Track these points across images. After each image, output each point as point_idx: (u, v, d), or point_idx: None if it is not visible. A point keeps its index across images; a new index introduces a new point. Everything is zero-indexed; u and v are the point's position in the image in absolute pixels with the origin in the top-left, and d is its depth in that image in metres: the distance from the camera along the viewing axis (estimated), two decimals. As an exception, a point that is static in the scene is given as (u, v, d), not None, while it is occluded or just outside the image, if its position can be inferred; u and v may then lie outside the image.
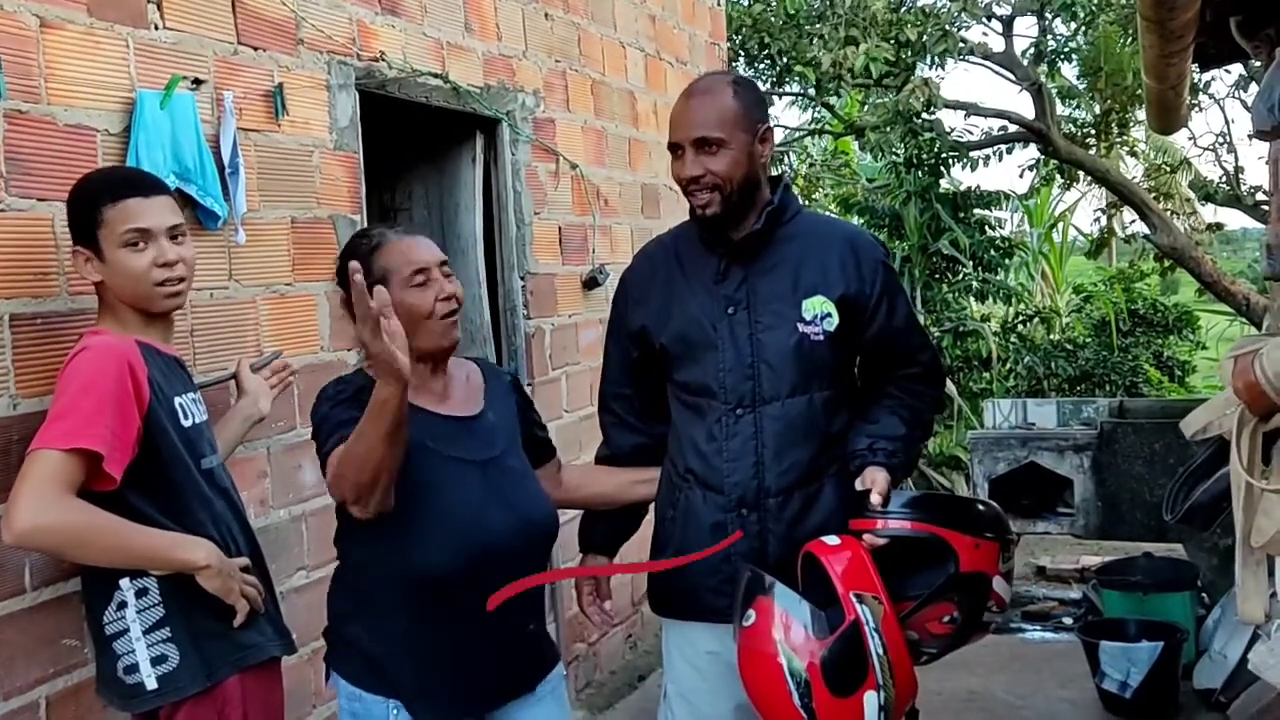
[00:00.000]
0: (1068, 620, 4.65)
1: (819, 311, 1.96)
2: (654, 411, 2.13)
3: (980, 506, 1.99)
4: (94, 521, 1.74)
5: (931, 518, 1.86)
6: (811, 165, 11.02)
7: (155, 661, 1.82)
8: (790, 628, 1.75)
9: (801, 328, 1.96)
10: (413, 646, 1.81)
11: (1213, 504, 1.99)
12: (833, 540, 1.85)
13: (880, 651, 1.73)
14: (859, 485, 1.91)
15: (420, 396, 1.82)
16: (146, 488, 1.82)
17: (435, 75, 3.19)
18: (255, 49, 2.55)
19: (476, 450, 1.86)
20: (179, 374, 1.99)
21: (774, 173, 2.10)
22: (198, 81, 2.35)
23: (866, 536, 1.85)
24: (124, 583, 1.83)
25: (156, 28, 2.29)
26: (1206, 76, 8.57)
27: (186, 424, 1.91)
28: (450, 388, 1.90)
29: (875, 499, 1.86)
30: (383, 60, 2.98)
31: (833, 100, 8.83)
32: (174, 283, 1.89)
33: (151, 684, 1.82)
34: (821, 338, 1.96)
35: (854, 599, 1.74)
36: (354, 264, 1.61)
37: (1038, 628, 4.64)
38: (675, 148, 1.99)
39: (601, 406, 2.23)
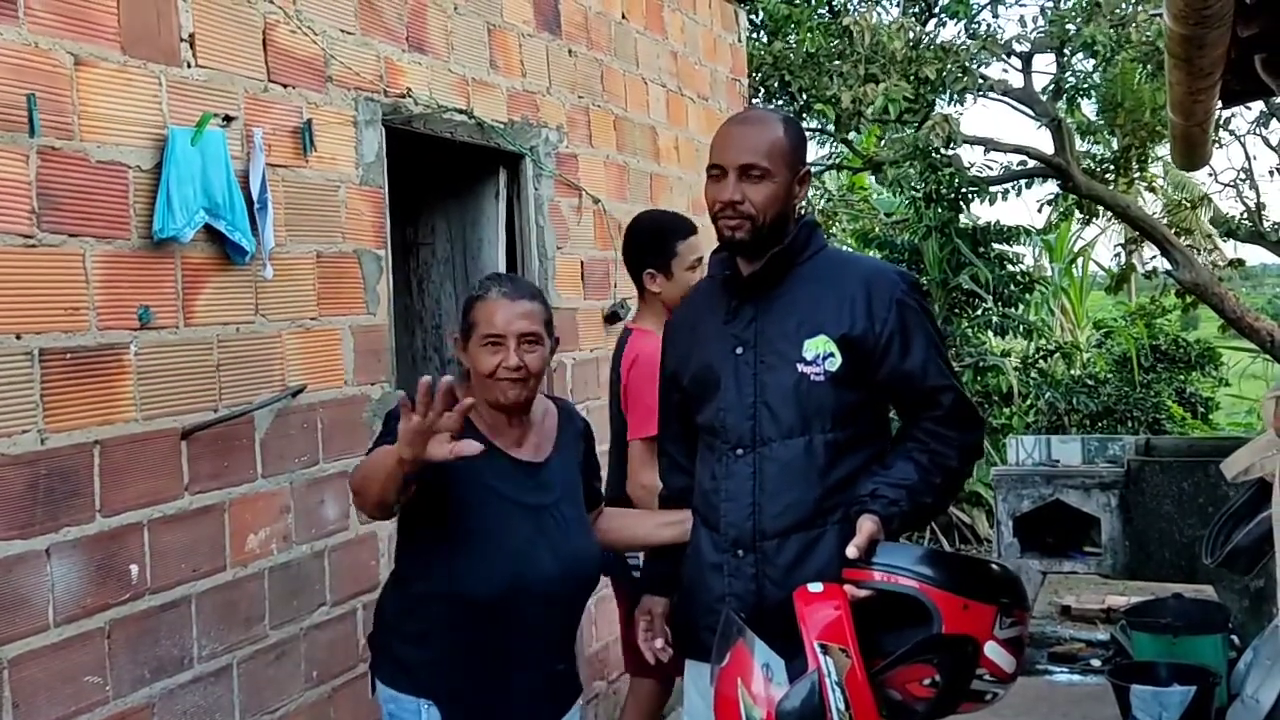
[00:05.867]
0: (1095, 662, 4.57)
1: (820, 351, 1.92)
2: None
3: (994, 569, 1.90)
4: None
5: (920, 574, 1.76)
6: (829, 200, 11.04)
7: None
8: (754, 675, 1.72)
9: (801, 368, 1.92)
10: (449, 661, 1.92)
11: (1254, 547, 1.94)
12: (816, 588, 1.80)
13: (840, 706, 1.66)
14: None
15: (496, 433, 1.97)
16: None
17: (460, 111, 3.21)
18: (285, 86, 2.57)
19: (533, 495, 1.97)
20: None
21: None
22: (228, 118, 2.37)
23: (847, 587, 1.79)
24: None
25: (189, 65, 2.31)
26: (1227, 113, 8.55)
27: None
28: (526, 433, 2.01)
29: (850, 550, 1.79)
30: (409, 96, 3.00)
31: (851, 136, 8.86)
32: None
33: None
34: (823, 378, 1.92)
35: (818, 649, 1.69)
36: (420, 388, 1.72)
37: (1064, 670, 4.56)
38: (717, 170, 1.95)
39: (659, 450, 2.26)
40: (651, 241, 2.86)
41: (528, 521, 1.94)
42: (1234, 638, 4.13)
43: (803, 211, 2.09)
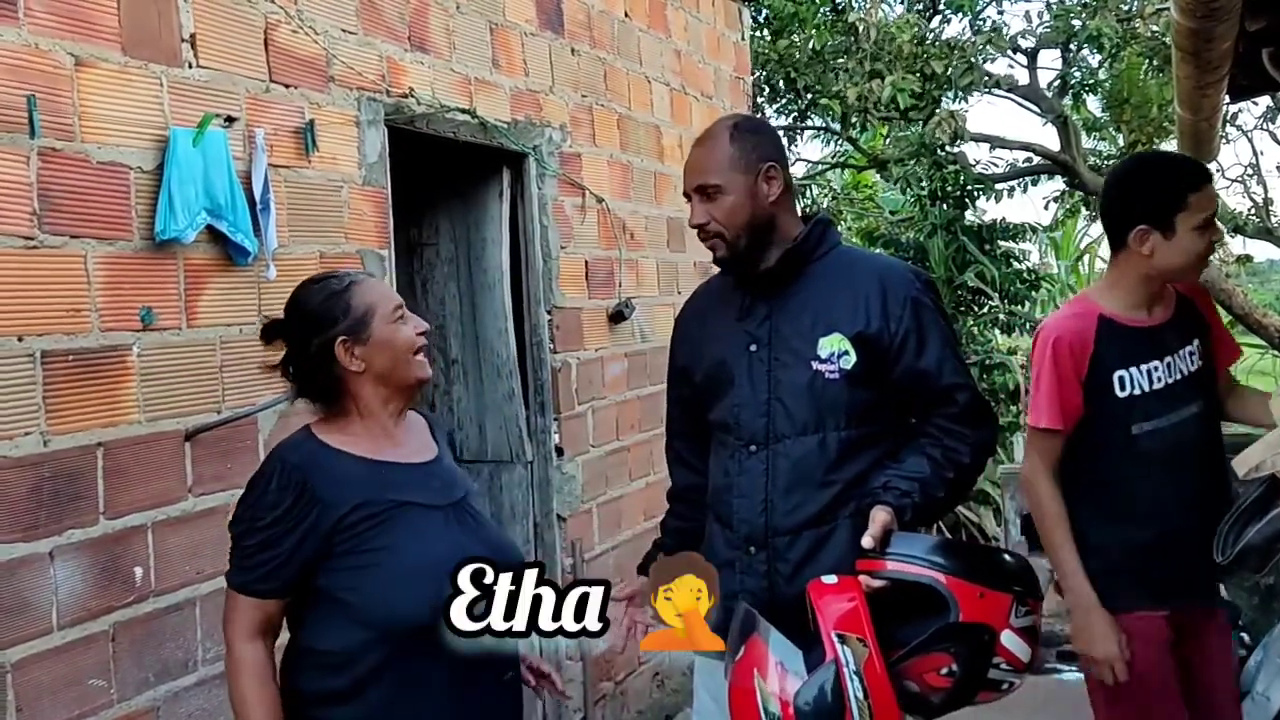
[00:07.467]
0: (1104, 660, 4.54)
1: (835, 349, 1.93)
2: (708, 451, 2.11)
3: (1007, 558, 1.90)
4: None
5: (934, 563, 1.76)
6: (834, 199, 11.02)
7: None
8: (770, 667, 1.71)
9: (816, 365, 1.93)
10: (387, 706, 1.69)
11: (1266, 546, 1.92)
12: (830, 580, 1.80)
13: (859, 695, 1.65)
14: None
15: (380, 446, 1.77)
16: (1073, 452, 2.17)
17: (463, 111, 3.20)
18: (287, 86, 2.57)
19: (442, 494, 1.79)
20: (1144, 344, 2.17)
21: (805, 210, 2.08)
22: (230, 119, 2.37)
23: (862, 578, 1.78)
24: None
25: (190, 66, 2.31)
26: (1234, 108, 8.52)
27: (1122, 395, 2.13)
28: (407, 434, 1.84)
29: (865, 540, 1.79)
30: (411, 96, 2.99)
31: (856, 134, 8.85)
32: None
33: None
34: (837, 376, 1.92)
35: (835, 639, 1.68)
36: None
37: (1074, 668, 4.53)
38: (687, 197, 2.02)
39: (666, 445, 2.26)
40: (1152, 187, 2.11)
41: (446, 521, 1.77)
42: (1244, 636, 4.10)
43: (815, 208, 2.09)
